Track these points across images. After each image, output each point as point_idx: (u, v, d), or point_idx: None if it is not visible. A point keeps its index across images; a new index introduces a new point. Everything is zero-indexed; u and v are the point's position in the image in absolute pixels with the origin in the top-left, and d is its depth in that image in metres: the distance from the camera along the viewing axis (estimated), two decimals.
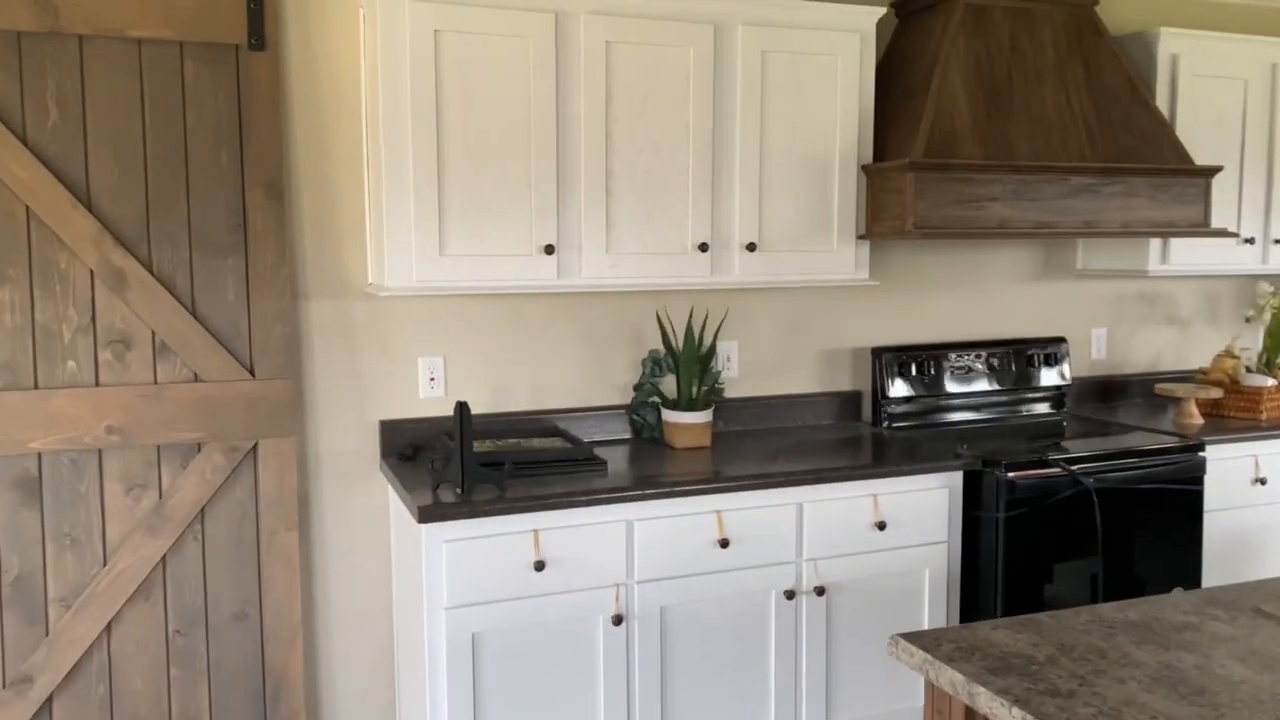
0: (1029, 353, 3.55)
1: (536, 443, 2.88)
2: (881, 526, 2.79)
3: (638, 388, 3.12)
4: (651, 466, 2.81)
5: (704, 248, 2.86)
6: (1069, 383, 3.62)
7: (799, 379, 3.40)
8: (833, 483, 2.75)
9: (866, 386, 3.44)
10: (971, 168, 2.93)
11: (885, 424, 3.36)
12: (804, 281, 3.03)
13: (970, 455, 2.90)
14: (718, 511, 2.64)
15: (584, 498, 2.50)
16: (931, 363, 3.41)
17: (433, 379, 2.95)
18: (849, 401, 3.45)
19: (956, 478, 2.90)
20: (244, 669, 2.71)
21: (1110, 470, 2.96)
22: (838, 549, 2.77)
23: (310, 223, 2.81)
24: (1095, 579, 2.95)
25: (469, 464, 2.46)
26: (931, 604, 2.89)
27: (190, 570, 2.66)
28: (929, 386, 3.41)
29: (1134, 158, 3.17)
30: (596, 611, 2.54)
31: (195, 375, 2.63)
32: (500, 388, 3.04)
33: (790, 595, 2.72)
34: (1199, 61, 3.42)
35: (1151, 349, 3.90)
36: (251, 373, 2.67)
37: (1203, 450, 3.12)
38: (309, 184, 2.80)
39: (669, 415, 3.02)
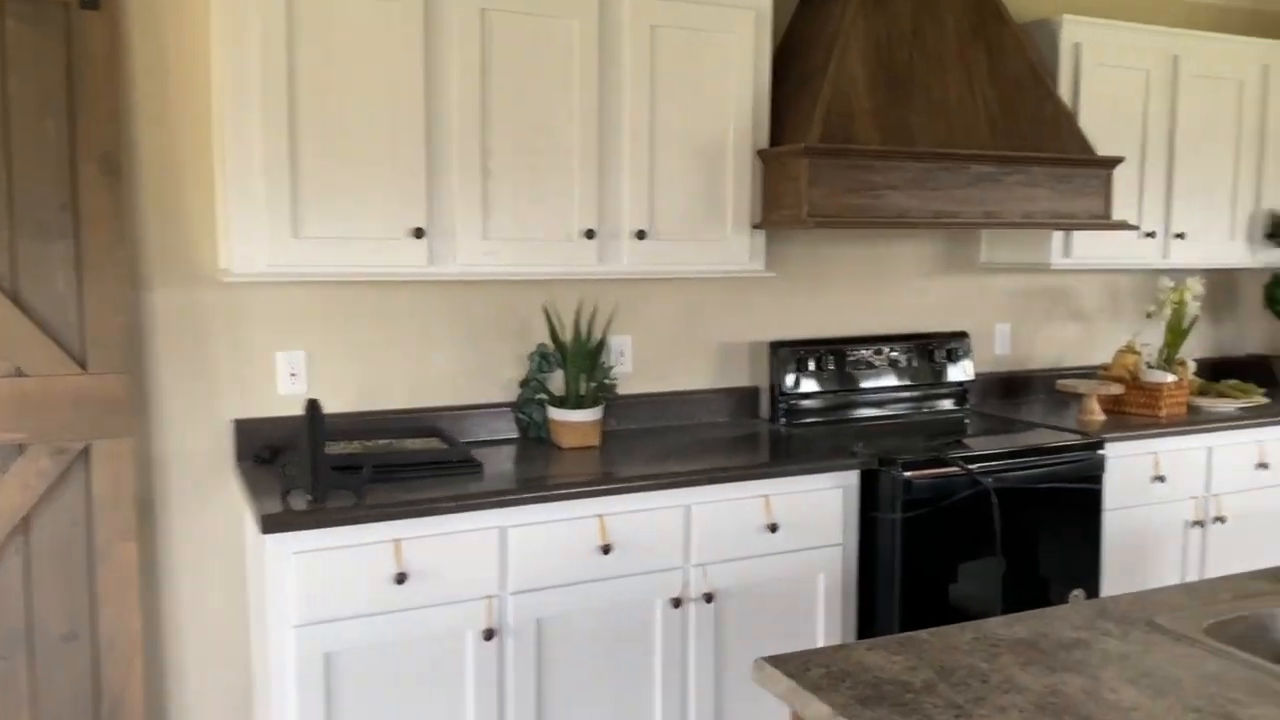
0: (931, 348, 3.46)
1: (409, 444, 2.67)
2: (774, 529, 2.65)
3: (523, 384, 2.93)
4: (533, 468, 2.62)
5: (591, 235, 2.69)
6: (972, 379, 3.53)
7: (695, 374, 3.24)
8: (723, 483, 2.60)
9: (765, 382, 3.30)
10: (870, 154, 2.80)
11: (783, 421, 3.22)
12: (696, 272, 2.87)
13: (866, 454, 2.78)
14: (600, 516, 2.46)
15: (452, 503, 2.30)
16: (832, 358, 3.29)
17: (294, 374, 2.72)
18: (747, 398, 3.31)
19: (852, 477, 2.77)
20: (75, 693, 2.44)
21: (1010, 469, 2.87)
22: (728, 553, 2.62)
23: (153, 202, 2.55)
24: (995, 580, 2.85)
25: (321, 468, 2.24)
26: (827, 609, 2.76)
27: (9, 587, 2.38)
28: (829, 382, 3.28)
29: (1036, 147, 3.09)
30: (466, 626, 2.34)
31: (17, 370, 2.36)
32: (373, 384, 2.82)
33: (677, 603, 2.56)
34: (1101, 51, 3.36)
35: (1055, 344, 3.84)
36: (83, 367, 2.41)
37: (1102, 448, 3.05)
38: (151, 159, 2.54)
39: (555, 414, 2.84)
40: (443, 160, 2.51)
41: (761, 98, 2.88)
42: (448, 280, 2.66)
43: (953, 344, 3.50)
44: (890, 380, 3.38)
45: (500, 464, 2.64)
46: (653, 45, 2.71)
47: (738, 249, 2.90)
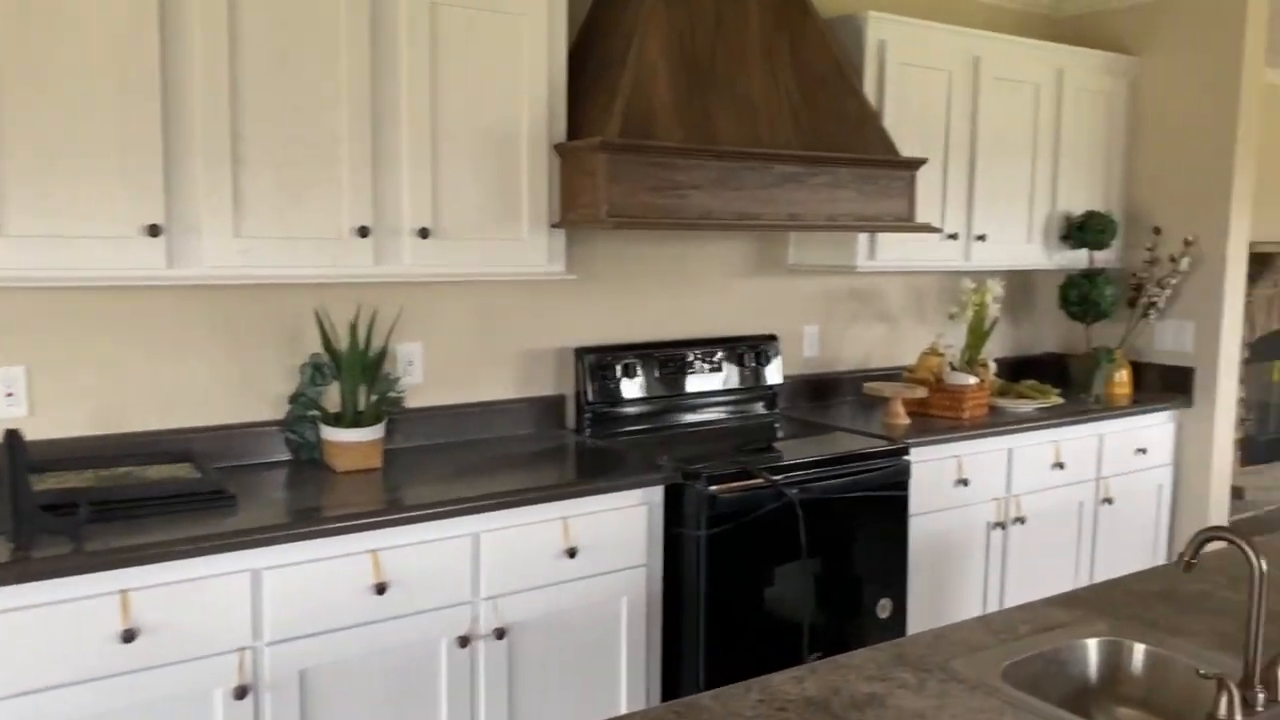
0: (741, 351, 3.35)
1: (153, 472, 2.32)
2: (572, 553, 2.46)
3: (293, 400, 2.62)
4: (299, 497, 2.33)
5: (364, 233, 2.41)
6: (781, 382, 3.44)
7: (496, 384, 3.01)
8: (515, 508, 2.38)
9: (572, 390, 3.11)
10: (671, 151, 2.64)
11: (589, 432, 3.03)
12: (490, 274, 2.64)
13: (671, 467, 2.62)
14: (373, 551, 2.20)
15: (190, 545, 1.99)
16: (639, 364, 3.13)
17: (10, 394, 2.32)
18: (552, 408, 3.10)
19: (657, 493, 2.61)
20: None
21: (817, 479, 2.78)
22: (522, 583, 2.40)
23: None
24: (804, 593, 2.76)
25: (26, 509, 1.88)
26: (630, 635, 2.59)
27: None
28: (638, 389, 3.12)
29: (841, 146, 3.01)
30: (213, 684, 2.03)
31: None
32: (115, 403, 2.45)
33: (464, 642, 2.32)
34: (905, 49, 3.32)
35: (862, 346, 3.82)
36: None
37: (907, 454, 3.02)
38: None
39: (329, 433, 2.54)
40: (183, 145, 2.18)
41: (558, 87, 2.67)
42: (198, 284, 2.32)
43: (763, 346, 3.40)
44: (701, 385, 3.24)
45: (261, 493, 2.33)
46: (432, 24, 2.46)
47: (535, 250, 2.68)
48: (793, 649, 2.73)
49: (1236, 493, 6.04)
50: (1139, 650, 1.47)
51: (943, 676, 1.37)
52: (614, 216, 2.55)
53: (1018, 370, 4.17)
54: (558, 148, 2.68)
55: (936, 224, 3.47)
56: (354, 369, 2.54)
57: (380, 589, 2.20)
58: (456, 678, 2.33)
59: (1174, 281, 3.82)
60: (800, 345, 3.65)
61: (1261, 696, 1.22)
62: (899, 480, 2.99)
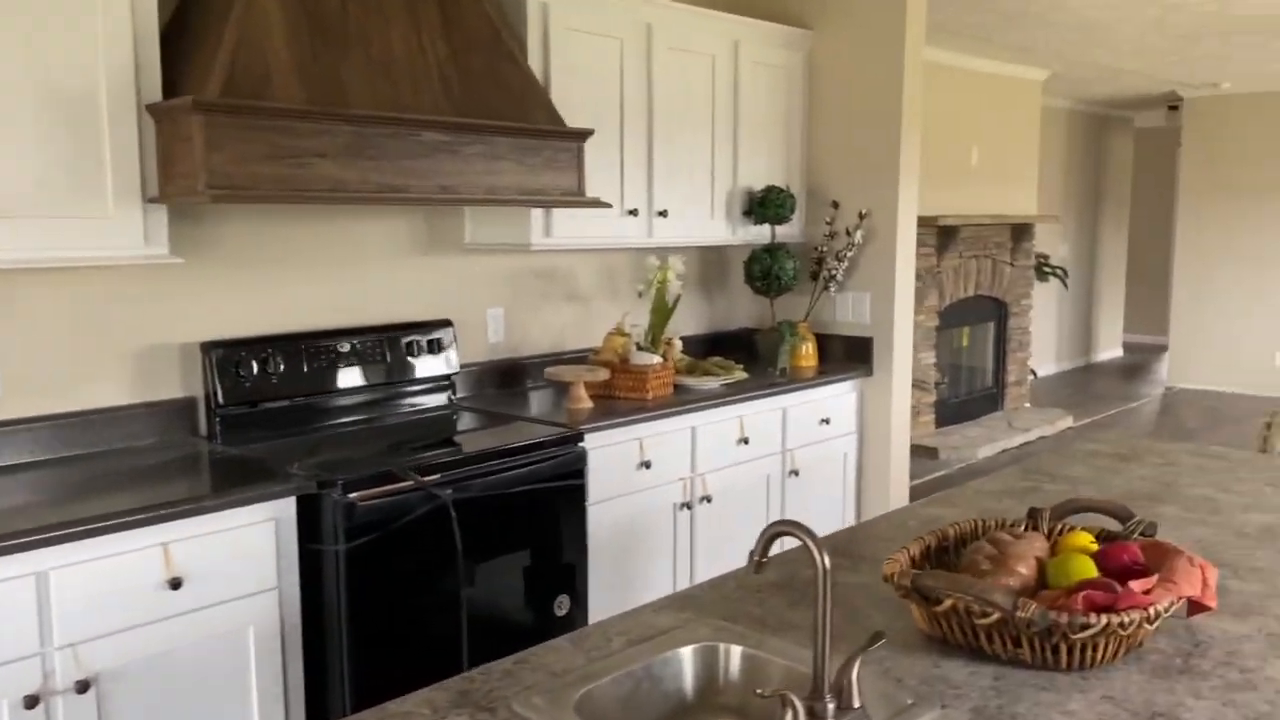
0: (408, 340, 3.07)
1: None
2: (176, 584, 2.10)
3: None
4: None
5: None
6: (457, 370, 3.20)
7: (104, 389, 2.57)
8: (96, 537, 2.00)
9: (202, 391, 2.72)
10: (289, 114, 2.31)
11: (219, 439, 2.66)
12: (66, 260, 2.22)
13: (303, 476, 2.32)
14: None
15: None
16: (283, 358, 2.78)
17: None
18: (181, 412, 2.70)
19: (288, 506, 2.30)
20: None
21: (477, 475, 2.56)
22: (111, 625, 2.03)
23: None
24: (463, 605, 2.53)
25: None
26: (261, 668, 2.27)
27: None
28: (280, 387, 2.77)
29: (499, 115, 2.79)
30: None
31: None
32: None
33: (32, 702, 1.92)
34: (571, 15, 3.15)
35: (553, 328, 3.64)
36: None
37: (582, 440, 2.86)
38: None
39: None
40: None
41: (147, 37, 2.28)
42: None
43: (434, 333, 3.14)
44: (359, 379, 2.94)
45: None
46: None
47: (126, 230, 2.28)
48: (452, 660, 2.51)
49: (930, 453, 6.45)
50: (735, 654, 1.35)
51: (505, 717, 1.18)
52: (215, 189, 2.19)
53: (714, 346, 4.15)
54: (150, 109, 2.29)
55: (615, 199, 3.34)
56: None
57: None
58: None
59: (849, 254, 3.91)
60: (484, 330, 3.42)
61: (831, 707, 1.11)
62: (575, 469, 2.83)
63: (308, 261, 2.94)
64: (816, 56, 4.02)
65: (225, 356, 2.67)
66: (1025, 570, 1.42)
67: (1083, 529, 1.59)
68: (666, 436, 3.21)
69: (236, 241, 2.78)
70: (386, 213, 3.11)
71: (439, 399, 3.15)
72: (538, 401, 3.27)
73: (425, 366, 3.10)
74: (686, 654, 1.35)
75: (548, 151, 2.89)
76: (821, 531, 3.76)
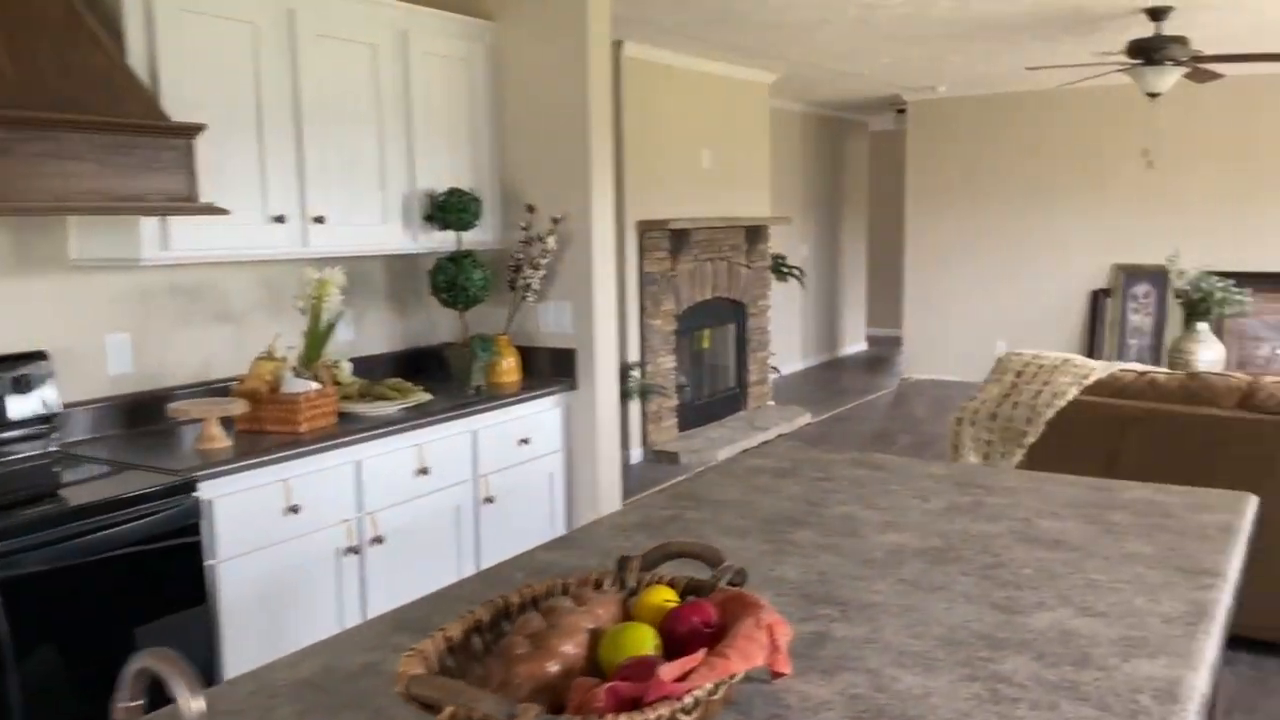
0: None
1: None
2: None
3: None
4: None
5: None
6: (58, 410, 2.69)
7: None
8: None
9: None
10: None
11: None
12: None
13: None
14: None
15: None
16: None
17: None
18: None
19: None
20: None
21: (34, 546, 2.09)
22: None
23: None
24: (17, 708, 2.07)
25: None
26: None
27: None
28: None
29: (74, 108, 2.33)
30: None
31: None
32: None
33: None
34: None
35: (200, 354, 3.17)
36: None
37: (195, 489, 2.44)
38: None
39: None
40: None
41: None
42: None
43: (22, 369, 2.62)
44: None
45: None
46: None
47: None
48: None
49: (671, 457, 6.35)
50: None
51: None
52: None
53: (410, 365, 3.80)
54: None
55: (255, 203, 2.92)
56: None
57: None
58: None
59: (545, 261, 3.66)
60: (104, 360, 2.91)
61: None
62: (188, 524, 2.40)
63: None
64: (501, 49, 3.75)
65: None
66: (573, 649, 1.17)
67: (670, 581, 1.37)
68: (325, 474, 2.83)
69: None
70: None
71: (33, 447, 2.63)
72: (171, 443, 2.81)
73: (13, 408, 2.58)
74: None
75: (145, 150, 2.45)
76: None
